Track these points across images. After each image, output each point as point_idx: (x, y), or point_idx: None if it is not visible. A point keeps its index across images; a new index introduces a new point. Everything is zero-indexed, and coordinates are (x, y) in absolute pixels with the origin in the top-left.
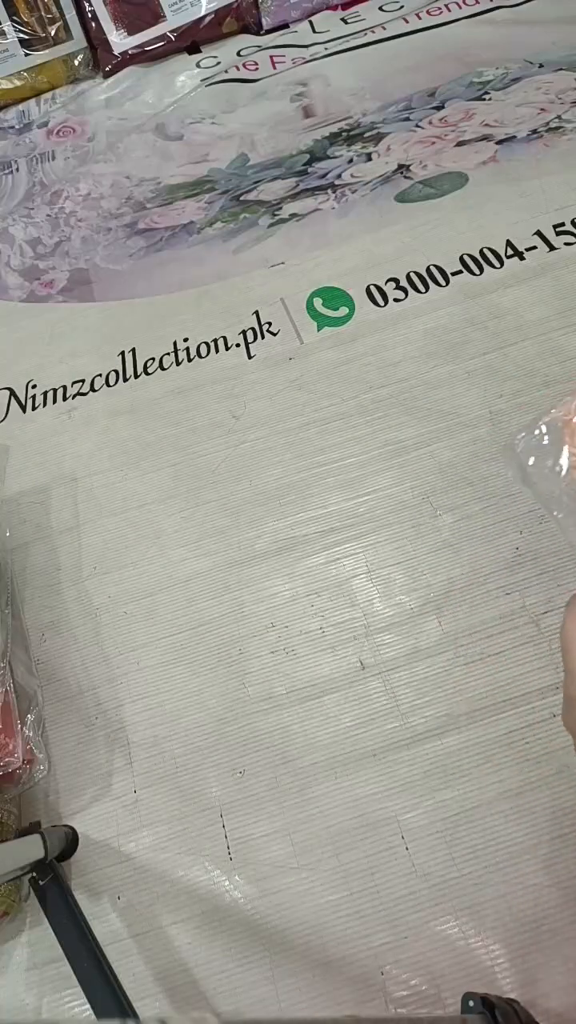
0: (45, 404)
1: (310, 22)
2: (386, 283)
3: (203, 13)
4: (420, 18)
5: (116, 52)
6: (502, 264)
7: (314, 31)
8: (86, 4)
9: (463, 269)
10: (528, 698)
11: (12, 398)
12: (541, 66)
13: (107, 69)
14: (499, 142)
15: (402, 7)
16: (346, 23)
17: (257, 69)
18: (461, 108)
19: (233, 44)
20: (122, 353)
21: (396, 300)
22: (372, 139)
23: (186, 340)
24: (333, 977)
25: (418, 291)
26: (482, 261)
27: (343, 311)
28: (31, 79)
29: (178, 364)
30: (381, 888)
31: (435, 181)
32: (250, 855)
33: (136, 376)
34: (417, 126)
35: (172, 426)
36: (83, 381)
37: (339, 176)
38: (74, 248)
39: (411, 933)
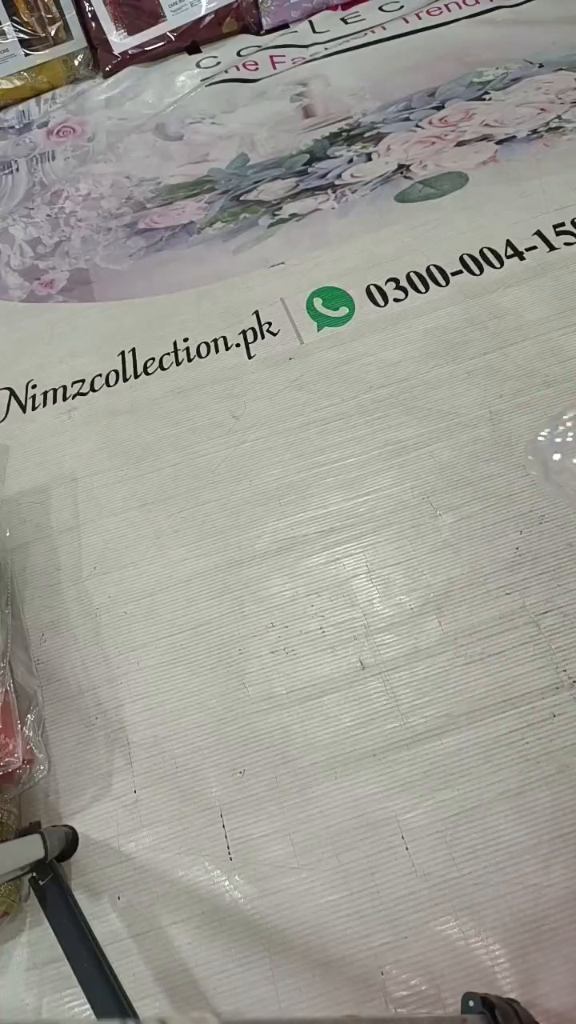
0: (45, 404)
1: (310, 22)
2: (386, 283)
3: (203, 13)
4: (420, 18)
5: (116, 52)
6: (502, 264)
7: (314, 31)
8: (86, 4)
9: (463, 269)
10: (528, 698)
11: (12, 398)
12: (541, 66)
13: (107, 69)
14: (499, 142)
15: (402, 7)
16: (346, 23)
17: (257, 69)
18: (461, 108)
19: (233, 44)
20: (122, 353)
21: (396, 300)
22: (372, 139)
23: (186, 340)
24: (333, 977)
25: (418, 291)
26: (482, 261)
27: (343, 311)
28: (31, 79)
29: (178, 364)
30: (381, 888)
31: (435, 181)
32: (250, 855)
33: (136, 376)
34: (417, 126)
35: (172, 426)
36: (83, 381)
37: (339, 176)
38: (74, 248)
39: (411, 933)
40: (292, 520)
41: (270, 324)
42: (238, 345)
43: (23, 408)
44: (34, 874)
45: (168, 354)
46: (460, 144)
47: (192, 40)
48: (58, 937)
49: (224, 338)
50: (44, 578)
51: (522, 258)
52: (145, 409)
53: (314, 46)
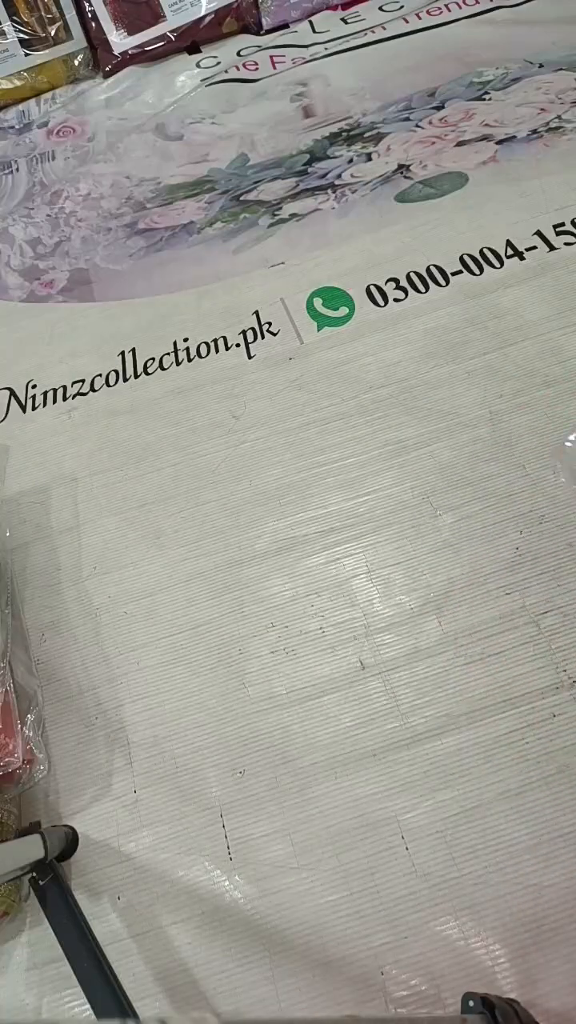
0: (45, 404)
1: (310, 22)
2: (386, 283)
3: (203, 13)
4: (420, 18)
5: (116, 52)
6: (502, 264)
7: (314, 31)
8: (86, 4)
9: (463, 269)
10: (528, 698)
11: (12, 398)
12: (541, 66)
13: (107, 69)
14: (499, 142)
15: (402, 7)
16: (346, 23)
17: (257, 69)
18: (461, 108)
19: (233, 44)
20: (122, 353)
21: (396, 300)
22: (372, 139)
23: (186, 340)
24: (333, 977)
25: (418, 291)
26: (482, 261)
27: (343, 311)
28: (31, 79)
29: (178, 364)
30: (381, 888)
31: (435, 181)
32: (250, 855)
33: (136, 376)
34: (417, 126)
35: (172, 426)
36: (83, 381)
37: (339, 176)
38: (74, 248)
39: (411, 933)
40: (292, 520)
41: (270, 324)
42: (238, 345)
43: (23, 408)
44: (34, 874)
45: (168, 354)
46: (460, 144)
47: (192, 40)
48: (58, 937)
49: (224, 338)
50: (44, 578)
51: (522, 258)
52: (145, 409)
53: (314, 46)
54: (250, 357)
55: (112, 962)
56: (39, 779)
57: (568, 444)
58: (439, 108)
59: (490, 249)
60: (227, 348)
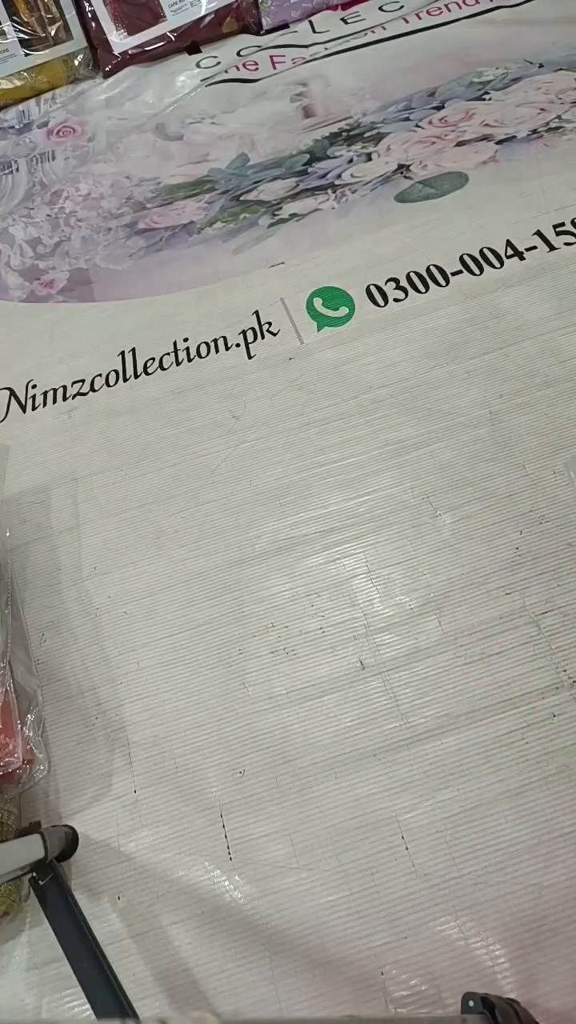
0: (45, 404)
1: (310, 22)
2: (386, 283)
3: (203, 13)
4: (420, 18)
5: (116, 52)
6: (502, 264)
7: (314, 31)
8: (86, 4)
9: (463, 269)
10: (528, 698)
11: (12, 398)
12: (541, 66)
13: (107, 69)
14: (499, 142)
15: (402, 7)
16: (346, 23)
17: (257, 69)
18: (461, 108)
19: (233, 44)
20: (122, 353)
21: (396, 300)
22: (372, 139)
23: (186, 340)
24: (333, 977)
25: (418, 291)
26: (482, 261)
27: (343, 311)
28: (31, 79)
29: (178, 364)
30: (381, 888)
31: (435, 181)
32: (250, 855)
33: (136, 376)
34: (417, 126)
35: (172, 426)
36: (83, 381)
37: (339, 176)
38: (74, 248)
39: (411, 933)
40: (292, 520)
41: (270, 324)
42: (238, 345)
43: (23, 408)
44: (34, 874)
45: (168, 354)
46: (460, 144)
47: (192, 40)
48: (58, 937)
49: (224, 338)
50: (44, 578)
51: (522, 258)
52: (145, 409)
53: (314, 46)
54: (250, 357)
55: (112, 962)
56: (39, 779)
57: None
58: (439, 108)
59: (490, 249)
60: (227, 348)
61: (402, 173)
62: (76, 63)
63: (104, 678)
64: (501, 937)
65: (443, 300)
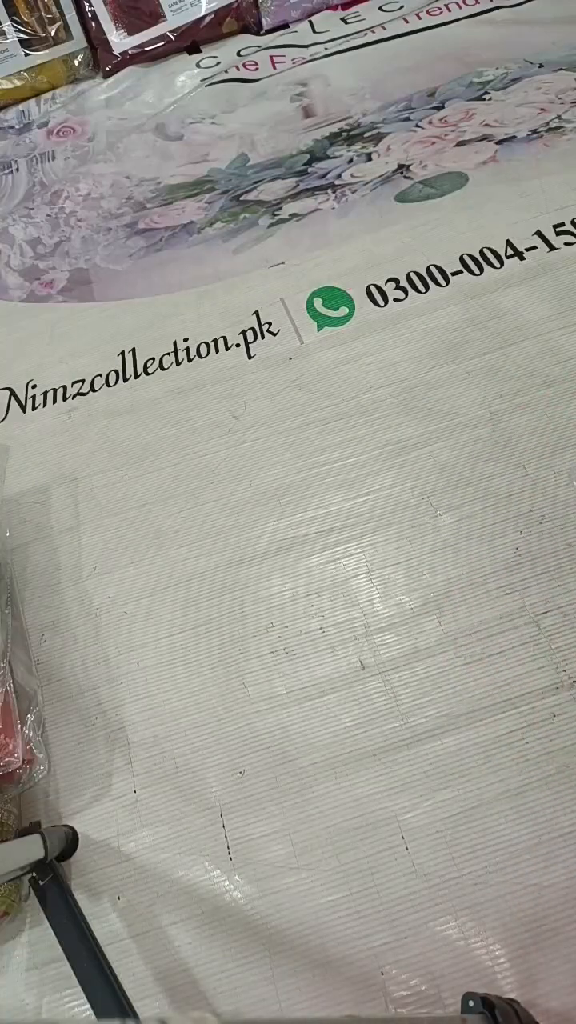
0: (45, 404)
1: (310, 22)
2: (386, 283)
3: (203, 13)
4: (420, 18)
5: (116, 52)
6: (502, 264)
7: (314, 31)
8: (86, 4)
9: (463, 269)
10: (528, 698)
11: (12, 398)
12: (541, 66)
13: (107, 69)
14: (499, 142)
15: (402, 7)
16: (346, 23)
17: (257, 69)
18: (461, 108)
19: (233, 44)
20: (122, 353)
21: (396, 300)
22: (372, 139)
23: (186, 340)
24: (333, 977)
25: (418, 291)
26: (482, 261)
27: (343, 311)
28: (31, 79)
29: (178, 364)
30: (381, 888)
31: (435, 181)
32: (250, 855)
33: (136, 376)
34: (417, 126)
35: (172, 426)
36: (83, 381)
37: (339, 176)
38: (74, 248)
39: (411, 933)
40: (292, 520)
41: (270, 324)
42: (238, 345)
43: (23, 408)
44: (34, 874)
45: (168, 354)
46: (460, 144)
47: (192, 40)
48: (58, 937)
49: (224, 338)
50: (44, 578)
51: (522, 258)
52: (145, 409)
53: (314, 46)
54: (250, 357)
55: (112, 962)
56: (39, 779)
57: None
58: (439, 108)
59: (490, 249)
60: (227, 348)
61: (402, 173)
62: (76, 63)
63: (104, 678)
64: (501, 937)
65: (443, 300)
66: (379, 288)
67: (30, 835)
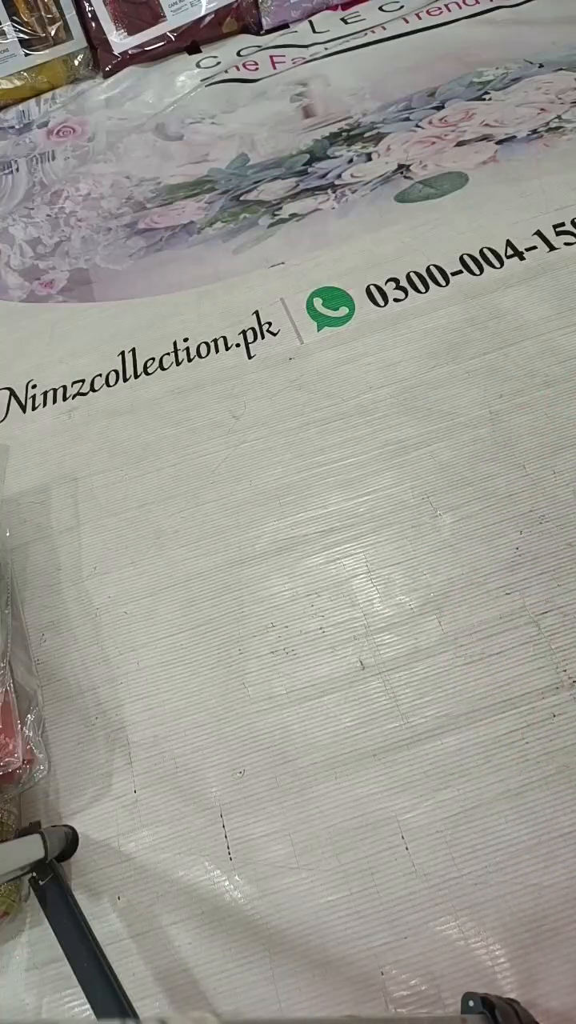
0: (45, 404)
1: (310, 22)
2: (386, 283)
3: (203, 13)
4: (420, 18)
5: (116, 52)
6: (502, 264)
7: (314, 31)
8: (86, 4)
9: (463, 269)
10: (528, 698)
11: (12, 398)
12: (541, 66)
13: (107, 69)
14: (499, 142)
15: (402, 7)
16: (346, 23)
17: (257, 69)
18: (461, 108)
19: (233, 44)
20: (122, 353)
21: (396, 300)
22: (372, 139)
23: (186, 340)
24: (333, 977)
25: (418, 291)
26: (482, 261)
27: (343, 311)
28: (31, 79)
29: (178, 364)
30: (381, 888)
31: (435, 181)
32: (250, 855)
33: (136, 376)
34: (417, 126)
35: (172, 426)
36: (83, 381)
37: (339, 176)
38: (74, 248)
39: (411, 933)
40: (292, 520)
41: (270, 324)
42: (238, 345)
43: (23, 408)
44: (34, 874)
45: (168, 354)
46: (460, 144)
47: (192, 40)
48: (58, 937)
49: (224, 338)
50: (44, 578)
51: (522, 258)
52: (145, 409)
53: (314, 46)
54: (250, 357)
55: (112, 962)
56: (39, 779)
57: None
58: (439, 108)
59: (490, 249)
60: (227, 348)
61: (402, 173)
62: (76, 63)
63: (104, 678)
64: (501, 937)
65: (443, 300)
66: (379, 288)
67: (30, 835)
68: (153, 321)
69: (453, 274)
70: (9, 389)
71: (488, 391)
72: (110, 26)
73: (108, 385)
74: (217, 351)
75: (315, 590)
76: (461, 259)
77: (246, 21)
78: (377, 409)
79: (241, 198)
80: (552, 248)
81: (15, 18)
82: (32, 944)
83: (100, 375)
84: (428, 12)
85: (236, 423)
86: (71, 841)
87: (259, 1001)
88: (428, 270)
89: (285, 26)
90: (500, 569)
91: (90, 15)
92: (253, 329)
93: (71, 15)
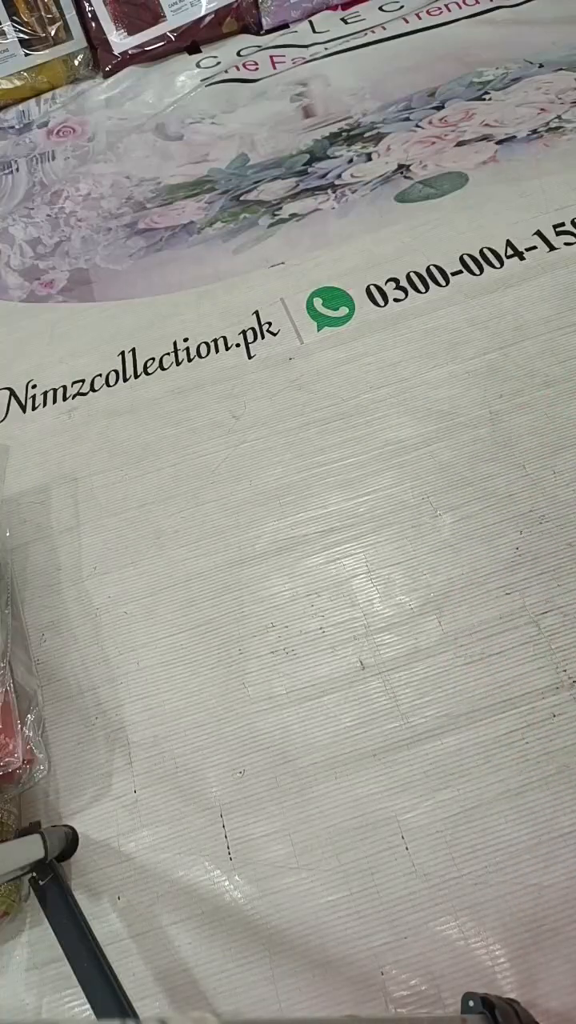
0: (45, 404)
1: (310, 22)
2: (386, 283)
3: (203, 13)
4: (420, 18)
5: (116, 52)
6: (502, 264)
7: (314, 31)
8: (86, 4)
9: (463, 269)
10: (528, 698)
11: (12, 398)
12: (541, 66)
13: (107, 69)
14: (499, 142)
15: (402, 7)
16: (346, 23)
17: (257, 69)
18: (461, 108)
19: (233, 44)
20: (122, 353)
21: (396, 300)
22: (372, 139)
23: (186, 340)
24: (333, 977)
25: (418, 291)
26: (482, 261)
27: (343, 311)
28: (31, 79)
29: (178, 364)
30: (381, 888)
31: (435, 181)
32: (250, 855)
33: (136, 376)
34: (417, 126)
35: (172, 426)
36: (83, 381)
37: (339, 176)
38: (74, 248)
39: (411, 933)
40: (292, 520)
41: (270, 324)
42: (238, 345)
43: (23, 408)
44: (34, 874)
45: (168, 354)
46: (460, 144)
47: (192, 40)
48: (58, 937)
49: (224, 338)
50: (44, 578)
51: (522, 258)
52: (145, 409)
53: (314, 46)
54: (250, 357)
55: (112, 962)
56: (39, 779)
57: None
58: (439, 108)
59: (490, 249)
60: (227, 348)
61: (402, 173)
62: (76, 63)
63: (104, 678)
64: (501, 937)
65: (443, 300)
66: (379, 288)
67: (30, 835)
68: (153, 321)
69: (453, 274)
70: (9, 389)
71: (488, 391)
72: (110, 26)
73: (108, 385)
74: (217, 351)
75: (315, 590)
76: (461, 259)
77: (246, 21)
78: (377, 409)
79: (241, 198)
80: (552, 248)
81: (15, 18)
82: (32, 944)
83: (100, 375)
84: (428, 12)
85: (236, 423)
86: (71, 841)
87: (259, 1001)
88: (428, 270)
89: (285, 26)
90: (500, 569)
91: (90, 15)
92: (253, 329)
93: (71, 15)
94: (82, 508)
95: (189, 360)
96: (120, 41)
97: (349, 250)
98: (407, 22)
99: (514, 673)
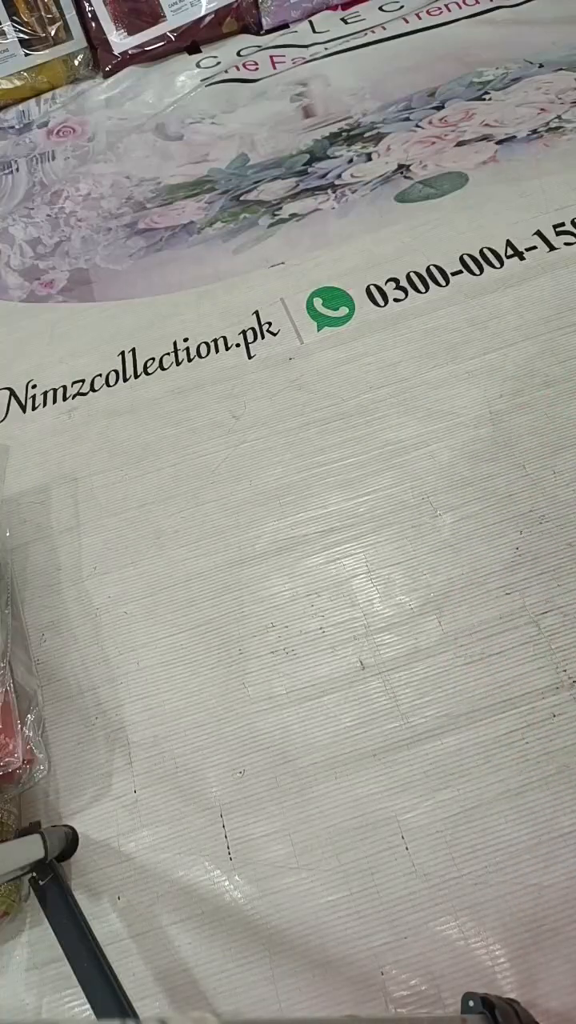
0: (45, 404)
1: (310, 22)
2: (386, 283)
3: (203, 13)
4: (420, 18)
5: (116, 52)
6: (502, 264)
7: (314, 31)
8: (86, 4)
9: (463, 269)
10: (528, 698)
11: (12, 398)
12: (541, 66)
13: (107, 69)
14: (499, 142)
15: (402, 7)
16: (346, 23)
17: (257, 69)
18: (461, 108)
19: (233, 44)
20: (122, 353)
21: (396, 300)
22: (372, 139)
23: (186, 340)
24: (333, 977)
25: (418, 291)
26: (482, 261)
27: (343, 311)
28: (31, 79)
29: (178, 364)
30: (381, 888)
31: (435, 181)
32: (250, 855)
33: (136, 376)
34: (417, 126)
35: (172, 426)
36: (83, 381)
37: (339, 176)
38: (74, 248)
39: (411, 933)
40: (292, 520)
41: (270, 324)
42: (238, 345)
43: (23, 408)
44: (34, 874)
45: (168, 354)
46: (460, 144)
47: (192, 40)
48: (58, 937)
49: (224, 338)
50: (44, 578)
51: (522, 258)
52: (145, 409)
53: (314, 46)
54: (250, 357)
55: (112, 962)
56: (39, 779)
57: None
58: (439, 108)
59: (490, 249)
60: (227, 348)
61: (402, 173)
62: (76, 63)
63: (104, 678)
64: (501, 937)
65: (443, 300)
66: (379, 288)
67: (30, 835)
68: (153, 321)
69: (453, 274)
70: (9, 389)
71: (488, 391)
72: (110, 26)
73: (108, 385)
74: (217, 351)
75: (315, 590)
76: (461, 259)
77: (246, 21)
78: (377, 409)
79: (241, 198)
80: (552, 248)
81: (15, 18)
82: (32, 944)
83: (100, 375)
84: (428, 12)
85: (236, 423)
86: (71, 841)
87: (259, 1001)
88: (428, 270)
89: (285, 26)
90: (500, 569)
91: (90, 15)
92: (253, 329)
93: (71, 15)
94: (82, 508)
95: (189, 360)
96: (120, 41)
97: (349, 250)
98: (407, 22)
99: (514, 673)
